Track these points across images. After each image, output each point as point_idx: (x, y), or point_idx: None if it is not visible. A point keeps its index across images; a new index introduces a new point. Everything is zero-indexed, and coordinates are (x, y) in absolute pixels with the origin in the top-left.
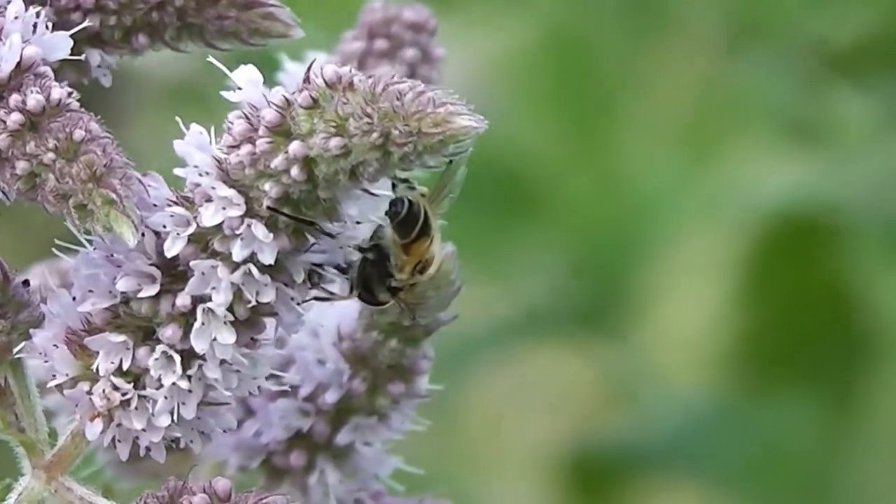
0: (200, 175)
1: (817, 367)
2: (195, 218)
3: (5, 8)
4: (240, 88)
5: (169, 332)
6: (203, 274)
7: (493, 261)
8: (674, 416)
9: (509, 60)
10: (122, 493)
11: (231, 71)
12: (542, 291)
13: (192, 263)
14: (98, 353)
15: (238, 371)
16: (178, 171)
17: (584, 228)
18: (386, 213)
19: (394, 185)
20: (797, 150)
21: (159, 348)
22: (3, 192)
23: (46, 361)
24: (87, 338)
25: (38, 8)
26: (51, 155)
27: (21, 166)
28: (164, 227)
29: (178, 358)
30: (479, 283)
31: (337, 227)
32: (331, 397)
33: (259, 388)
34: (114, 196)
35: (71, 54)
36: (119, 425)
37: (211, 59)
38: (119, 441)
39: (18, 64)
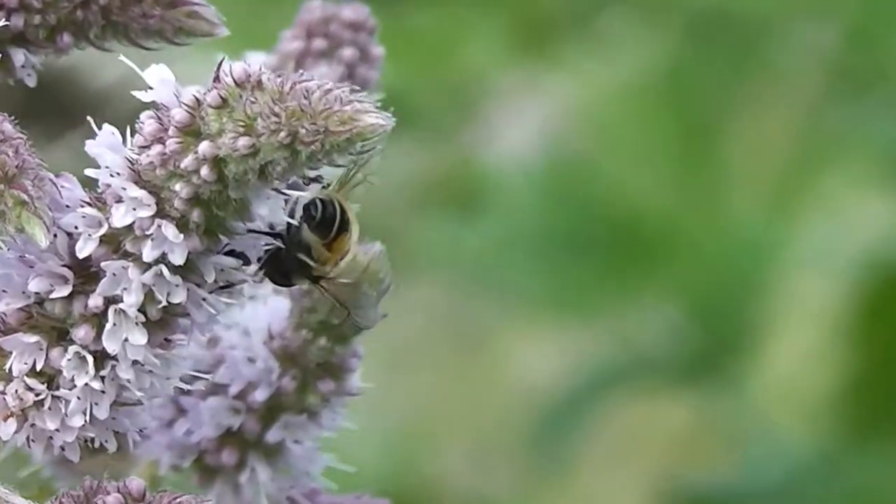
0: (112, 176)
1: None
2: (107, 219)
3: None
4: (151, 88)
5: (81, 333)
6: (114, 275)
7: (602, 308)
8: (779, 463)
9: (604, 105)
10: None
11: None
12: (652, 338)
13: (103, 264)
14: (11, 353)
15: (151, 372)
16: (89, 172)
17: (693, 275)
18: (301, 217)
19: (304, 185)
20: None
21: (72, 349)
22: None
23: None
24: (1, 338)
25: None
26: None
27: None
28: (77, 228)
29: (90, 359)
30: (588, 330)
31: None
32: (260, 395)
33: (175, 388)
34: (25, 197)
35: None
36: (33, 425)
37: (122, 58)
38: (33, 441)
39: None
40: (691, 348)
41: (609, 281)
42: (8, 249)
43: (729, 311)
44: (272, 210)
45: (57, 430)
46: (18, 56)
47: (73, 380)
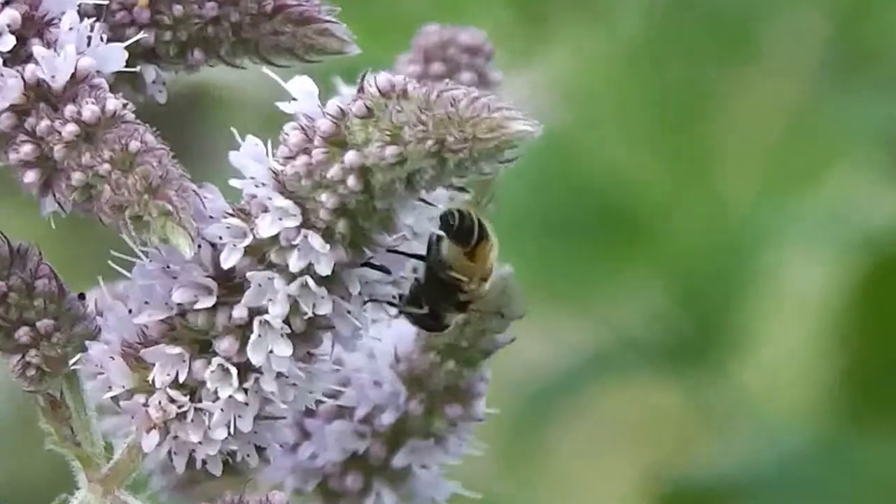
0: (256, 186)
1: None
2: (251, 229)
3: (59, 20)
4: (294, 99)
5: (225, 345)
6: (259, 285)
7: (589, 291)
8: (773, 449)
9: (590, 81)
10: None
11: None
12: (639, 323)
13: (248, 275)
14: (154, 365)
15: (294, 385)
16: (233, 182)
17: (681, 258)
18: (440, 229)
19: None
20: None
21: (215, 361)
22: (59, 204)
23: (102, 374)
24: (143, 350)
25: (93, 21)
26: (106, 166)
27: (76, 177)
28: (221, 238)
29: (234, 370)
30: (574, 314)
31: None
32: (387, 419)
33: (316, 402)
34: (170, 207)
35: (126, 69)
36: (175, 437)
37: (266, 70)
38: (175, 453)
39: (73, 75)
40: (680, 334)
41: (597, 265)
42: (150, 260)
43: (719, 296)
44: (418, 220)
45: (200, 442)
46: (149, 72)
47: (216, 392)
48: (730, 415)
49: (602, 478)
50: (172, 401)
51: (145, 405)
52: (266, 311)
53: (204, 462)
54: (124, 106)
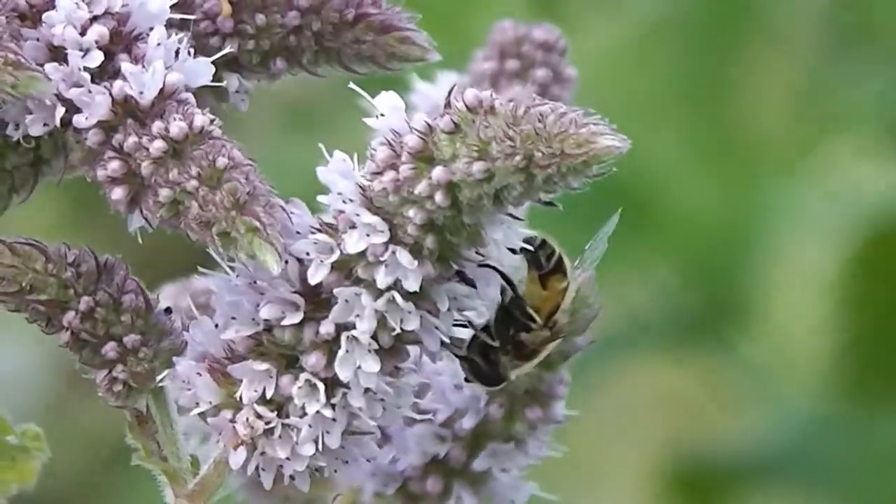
0: (344, 202)
1: None
2: (339, 245)
3: (147, 34)
4: (382, 115)
5: (313, 360)
6: (347, 301)
7: (600, 272)
8: (784, 425)
9: (603, 64)
10: None
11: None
12: (650, 302)
13: (335, 291)
14: (241, 381)
15: (382, 400)
16: (321, 199)
17: (691, 238)
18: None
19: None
20: None
21: (303, 376)
22: (146, 219)
23: (189, 389)
24: (231, 365)
25: (181, 34)
26: (194, 182)
27: (164, 194)
28: (308, 254)
29: (322, 386)
30: None
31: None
32: (468, 423)
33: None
34: (257, 224)
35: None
36: (263, 454)
37: (352, 85)
38: (263, 469)
39: (161, 90)
40: (691, 312)
41: (608, 246)
42: (237, 276)
43: (729, 274)
44: (507, 235)
45: (287, 458)
46: (233, 81)
47: (303, 407)
48: (742, 391)
49: (616, 457)
50: (260, 417)
51: (232, 421)
52: (353, 327)
53: (292, 478)
54: (211, 122)
